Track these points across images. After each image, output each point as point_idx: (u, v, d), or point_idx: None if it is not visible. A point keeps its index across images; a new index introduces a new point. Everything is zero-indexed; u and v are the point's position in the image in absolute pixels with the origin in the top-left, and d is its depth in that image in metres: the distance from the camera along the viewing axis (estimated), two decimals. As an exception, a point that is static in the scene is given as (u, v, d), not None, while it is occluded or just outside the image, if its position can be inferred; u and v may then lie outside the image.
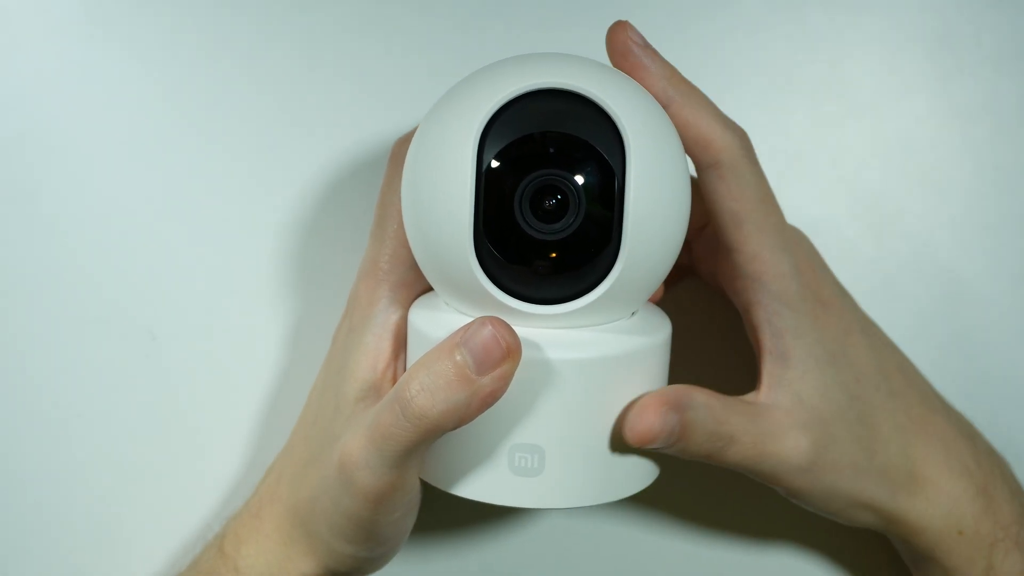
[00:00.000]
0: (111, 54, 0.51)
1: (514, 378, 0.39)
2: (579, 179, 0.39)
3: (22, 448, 0.52)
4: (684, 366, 0.46)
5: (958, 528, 0.47)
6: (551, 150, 0.39)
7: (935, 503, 0.47)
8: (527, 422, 0.40)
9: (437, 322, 0.42)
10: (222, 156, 0.52)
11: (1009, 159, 0.53)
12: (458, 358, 0.38)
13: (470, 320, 0.39)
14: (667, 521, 0.55)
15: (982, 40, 0.53)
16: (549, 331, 0.41)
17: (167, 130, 0.52)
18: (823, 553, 0.55)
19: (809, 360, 0.44)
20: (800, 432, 0.44)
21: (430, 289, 0.46)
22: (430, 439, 0.39)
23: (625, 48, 0.42)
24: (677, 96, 0.42)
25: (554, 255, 0.39)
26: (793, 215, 0.47)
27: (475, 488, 0.42)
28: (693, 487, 0.54)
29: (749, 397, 0.45)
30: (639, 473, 0.43)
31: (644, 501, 0.55)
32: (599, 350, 0.41)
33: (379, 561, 0.46)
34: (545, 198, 0.39)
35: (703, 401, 0.42)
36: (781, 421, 0.44)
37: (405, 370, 0.45)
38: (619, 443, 0.41)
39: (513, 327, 0.38)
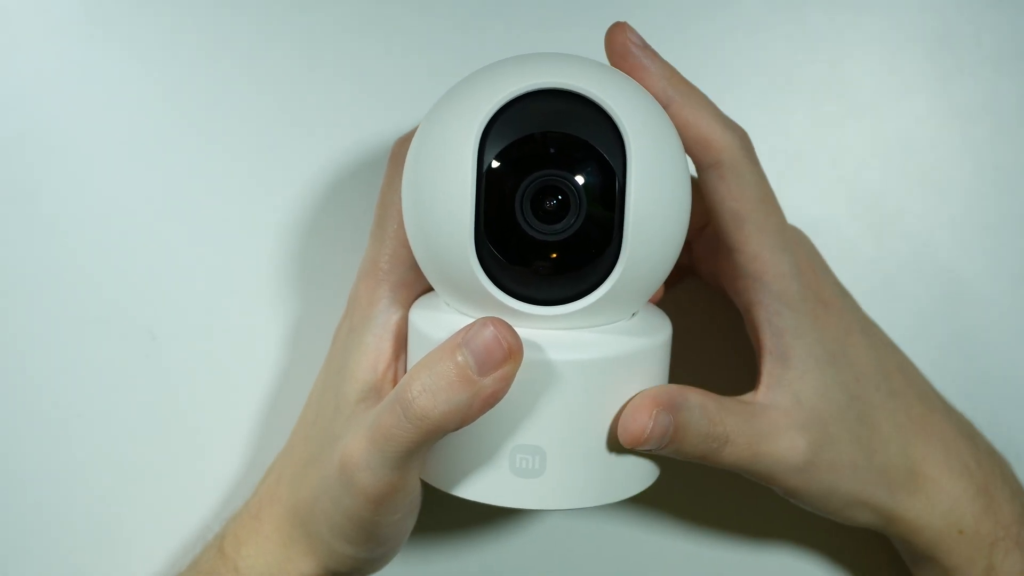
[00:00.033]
0: (111, 54, 0.51)
1: (515, 379, 0.39)
2: (580, 179, 0.39)
3: (22, 448, 0.52)
4: (684, 367, 0.46)
5: (958, 527, 0.47)
6: (552, 150, 0.39)
7: (935, 502, 0.47)
8: (528, 423, 0.40)
9: (438, 322, 0.42)
10: (222, 156, 0.52)
11: (1009, 159, 0.53)
12: (460, 359, 0.38)
13: (471, 321, 0.39)
14: (667, 521, 0.55)
15: (982, 40, 0.53)
16: (549, 332, 0.41)
17: (167, 130, 0.52)
18: (824, 553, 0.55)
19: (809, 360, 0.44)
20: (797, 432, 0.44)
21: (430, 289, 0.46)
22: (431, 440, 0.39)
23: (624, 49, 0.42)
24: (677, 96, 0.42)
25: (555, 256, 0.39)
26: (793, 215, 0.47)
27: (476, 489, 0.42)
28: (693, 487, 0.54)
29: (747, 397, 0.45)
30: (639, 474, 0.43)
31: (644, 502, 0.55)
32: (600, 351, 0.41)
33: (379, 562, 0.46)
34: (546, 199, 0.39)
35: (697, 402, 0.42)
36: (778, 421, 0.44)
37: (406, 371, 0.45)
38: (619, 444, 0.41)
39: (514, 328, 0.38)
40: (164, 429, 0.53)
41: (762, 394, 0.44)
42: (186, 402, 0.53)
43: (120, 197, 0.52)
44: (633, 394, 0.41)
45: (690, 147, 0.43)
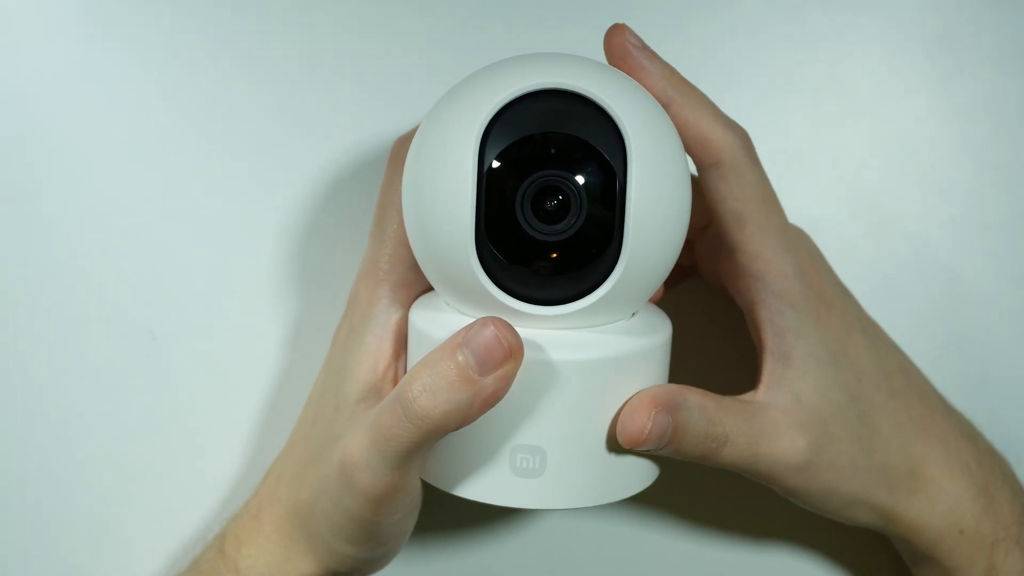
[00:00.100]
0: (111, 54, 0.51)
1: (515, 379, 0.39)
2: (580, 180, 0.39)
3: (22, 448, 0.52)
4: (684, 367, 0.46)
5: (959, 527, 0.47)
6: (552, 151, 0.39)
7: (936, 502, 0.47)
8: (528, 423, 0.40)
9: (438, 322, 0.42)
10: (222, 156, 0.52)
11: (1009, 159, 0.53)
12: (460, 359, 0.38)
13: (471, 320, 0.39)
14: (667, 521, 0.55)
15: (982, 40, 0.53)
16: (550, 332, 0.41)
17: (167, 130, 0.52)
18: (824, 553, 0.55)
19: (810, 360, 0.44)
20: (797, 432, 0.44)
21: (430, 289, 0.46)
22: (432, 440, 0.39)
23: (623, 51, 0.42)
24: (677, 96, 0.42)
25: (555, 256, 0.39)
26: (793, 215, 0.47)
27: (476, 489, 0.42)
28: (693, 487, 0.54)
29: (747, 396, 0.45)
30: (639, 473, 0.43)
31: (644, 501, 0.55)
32: (600, 351, 0.41)
33: (380, 562, 0.46)
34: (546, 199, 0.39)
35: (696, 402, 0.42)
36: (777, 421, 0.44)
37: (406, 371, 0.45)
38: (619, 444, 0.41)
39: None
40: (164, 429, 0.53)
41: (762, 393, 0.44)
42: (186, 402, 0.53)
43: (120, 197, 0.52)
44: (633, 394, 0.41)
45: (691, 147, 0.43)
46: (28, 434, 0.52)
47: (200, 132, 0.52)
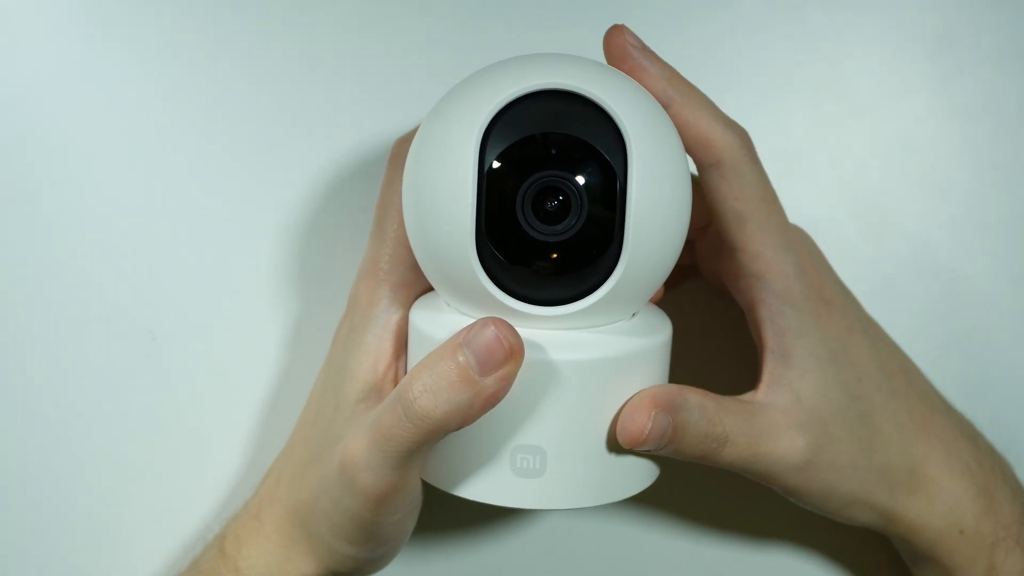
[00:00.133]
0: (111, 54, 0.51)
1: (515, 379, 0.39)
2: (581, 180, 0.39)
3: (22, 448, 0.52)
4: (685, 367, 0.46)
5: (959, 527, 0.47)
6: (553, 151, 0.39)
7: (936, 502, 0.47)
8: (528, 423, 0.41)
9: (438, 322, 0.42)
10: (222, 156, 0.52)
11: (1009, 159, 0.53)
12: (461, 359, 0.38)
13: (472, 321, 0.39)
14: (667, 521, 0.55)
15: (982, 40, 0.53)
16: (550, 332, 0.41)
17: (167, 130, 0.52)
18: (824, 553, 0.55)
19: (810, 359, 0.44)
20: (796, 432, 0.44)
21: (430, 289, 0.46)
22: (433, 440, 0.39)
23: (623, 52, 0.42)
24: (677, 96, 0.42)
25: (556, 256, 0.39)
26: (793, 215, 0.47)
27: (477, 489, 0.42)
28: (693, 487, 0.54)
29: (747, 396, 0.45)
30: (639, 473, 0.43)
31: (644, 501, 0.55)
32: (600, 351, 0.41)
33: (380, 562, 0.46)
34: (547, 199, 0.39)
35: (696, 402, 0.42)
36: (777, 421, 0.44)
37: (406, 371, 0.45)
38: (619, 444, 0.41)
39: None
40: (164, 429, 0.53)
41: (762, 393, 0.44)
42: (186, 402, 0.53)
43: (120, 197, 0.52)
44: (633, 394, 0.41)
45: (691, 147, 0.43)
46: (28, 434, 0.52)
47: (200, 132, 0.52)
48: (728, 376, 0.49)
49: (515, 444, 0.41)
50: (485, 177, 0.39)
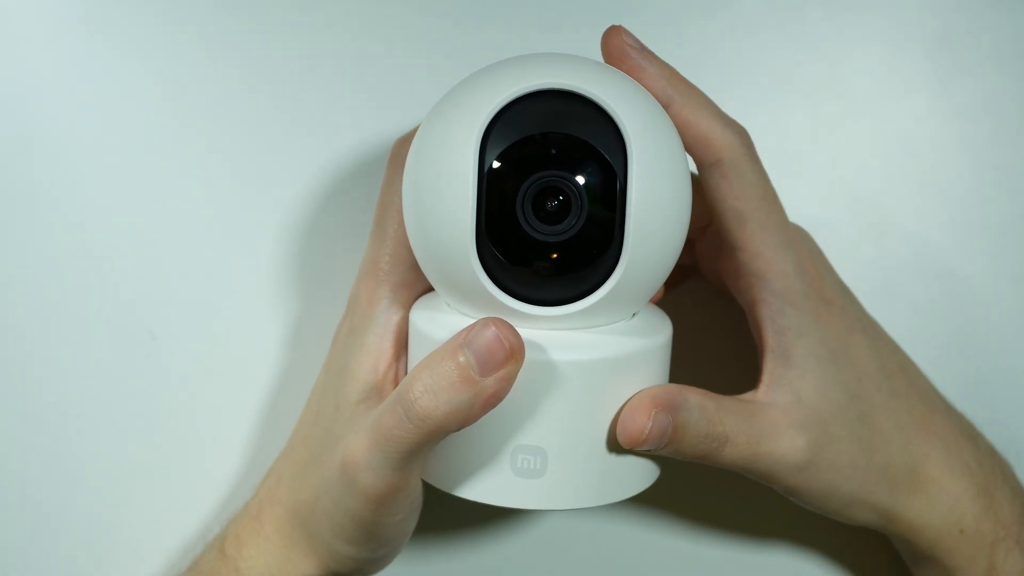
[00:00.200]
0: (111, 54, 0.51)
1: (516, 379, 0.39)
2: (581, 180, 0.39)
3: (22, 448, 0.52)
4: (685, 367, 0.46)
5: (959, 527, 0.47)
6: (553, 151, 0.39)
7: (936, 502, 0.47)
8: (529, 424, 0.41)
9: (439, 323, 0.42)
10: (222, 156, 0.52)
11: (1009, 159, 0.53)
12: (461, 359, 0.38)
13: (472, 321, 0.39)
14: (667, 521, 0.55)
15: (982, 40, 0.53)
16: (550, 332, 0.41)
17: (167, 130, 0.52)
18: (824, 553, 0.55)
19: (810, 359, 0.44)
20: (797, 431, 0.44)
21: (431, 289, 0.46)
22: (433, 441, 0.39)
23: (621, 52, 0.42)
24: (677, 96, 0.42)
25: (556, 256, 0.39)
26: (793, 215, 0.47)
27: (477, 489, 0.42)
28: (693, 487, 0.54)
29: (747, 396, 0.45)
30: (640, 473, 0.43)
31: (644, 501, 0.55)
32: (600, 351, 0.41)
33: (380, 562, 0.46)
34: (547, 199, 0.39)
35: (697, 401, 0.42)
36: (777, 420, 0.44)
37: (407, 371, 0.45)
38: (620, 444, 0.41)
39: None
40: (164, 429, 0.53)
41: (763, 393, 0.44)
42: (186, 402, 0.53)
43: (120, 197, 0.52)
44: (633, 394, 0.41)
45: (691, 146, 0.43)
46: (28, 434, 0.52)
47: (200, 132, 0.52)
48: (728, 376, 0.49)
49: (515, 444, 0.41)
50: (485, 177, 0.39)
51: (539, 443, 0.41)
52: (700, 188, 0.44)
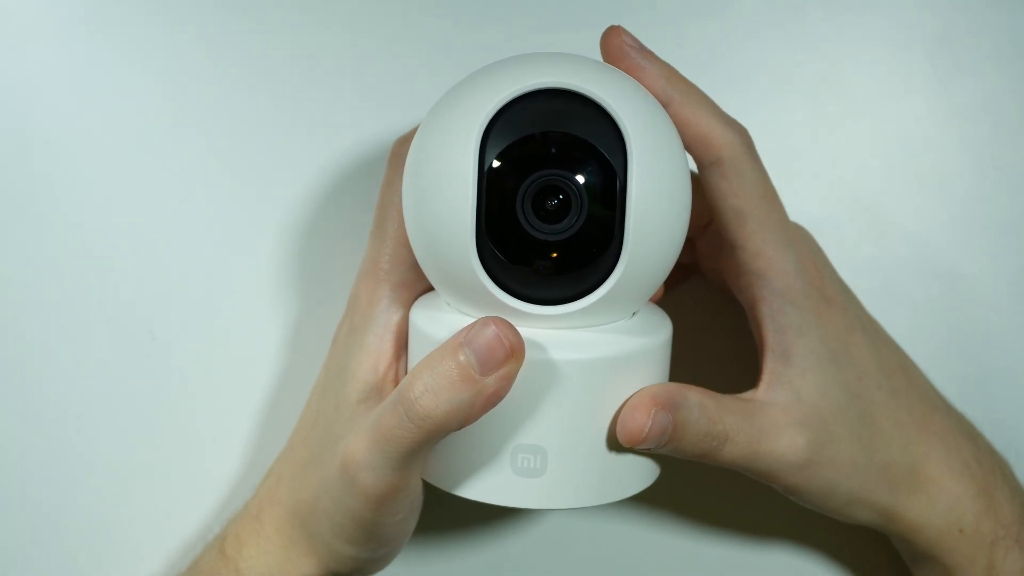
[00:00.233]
0: (111, 54, 0.51)
1: (516, 378, 0.39)
2: (581, 179, 0.39)
3: (22, 448, 0.52)
4: (685, 366, 0.46)
5: (959, 526, 0.47)
6: (553, 150, 0.39)
7: (936, 501, 0.47)
8: (529, 423, 0.41)
9: (439, 322, 0.42)
10: (222, 156, 0.52)
11: (1009, 159, 0.53)
12: (462, 358, 0.38)
13: (472, 320, 0.39)
14: (667, 520, 0.55)
15: (982, 40, 0.53)
16: (550, 331, 0.41)
17: (167, 130, 0.52)
18: (824, 552, 0.55)
19: (810, 358, 0.44)
20: (797, 430, 0.44)
21: (431, 289, 0.46)
22: (434, 440, 0.39)
23: (620, 52, 0.42)
24: (676, 95, 0.42)
25: (556, 255, 0.39)
26: (793, 215, 0.47)
27: (477, 489, 0.42)
28: (693, 486, 0.54)
29: (747, 394, 0.45)
30: (640, 473, 0.43)
31: (645, 500, 0.55)
32: (600, 351, 0.41)
33: (381, 562, 0.46)
34: (547, 198, 0.39)
35: (697, 400, 0.42)
36: (777, 419, 0.44)
37: (407, 371, 0.45)
38: (620, 443, 0.41)
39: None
40: (164, 429, 0.53)
41: (763, 391, 0.44)
42: (186, 402, 0.53)
43: (120, 197, 0.52)
44: (633, 393, 0.41)
45: (691, 145, 0.43)
46: (28, 434, 0.52)
47: (200, 132, 0.52)
48: (728, 375, 0.49)
49: (516, 444, 0.41)
50: (485, 176, 0.39)
51: (539, 442, 0.41)
52: (700, 187, 0.44)
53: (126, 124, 0.51)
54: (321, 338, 0.51)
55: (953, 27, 0.53)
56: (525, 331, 0.39)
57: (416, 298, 0.46)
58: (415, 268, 0.44)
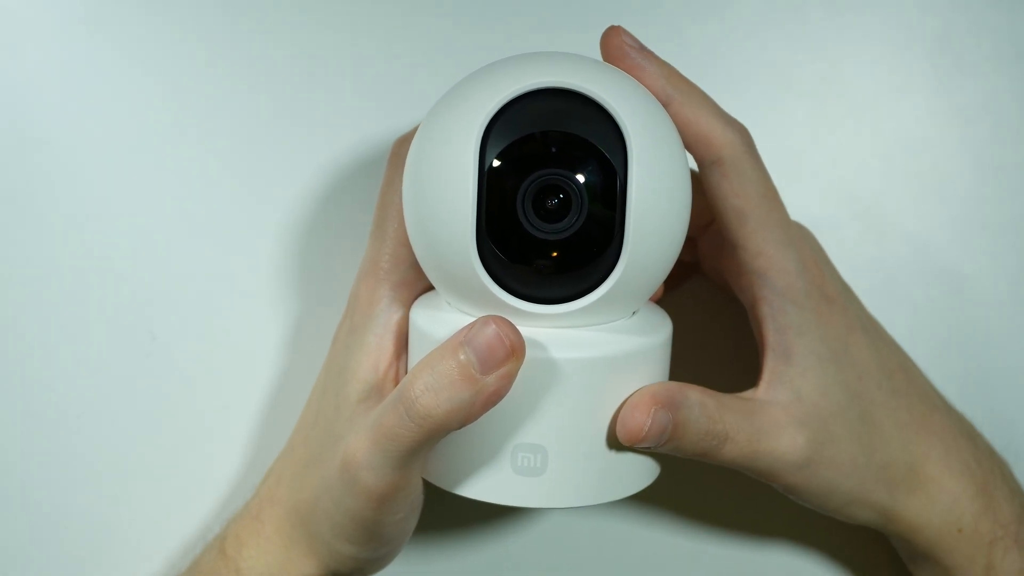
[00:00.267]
0: (111, 54, 0.51)
1: (516, 377, 0.39)
2: (581, 178, 0.39)
3: (22, 448, 0.52)
4: (685, 366, 0.46)
5: (957, 526, 0.47)
6: (553, 149, 0.39)
7: (935, 501, 0.47)
8: (529, 422, 0.41)
9: (439, 321, 0.42)
10: (222, 156, 0.52)
11: (1009, 159, 0.53)
12: (462, 357, 0.38)
13: (472, 319, 0.39)
14: (667, 519, 0.55)
15: (982, 40, 0.53)
16: (550, 330, 0.41)
17: (167, 130, 0.52)
18: (824, 551, 0.55)
19: (811, 357, 0.44)
20: (797, 429, 0.44)
21: (431, 288, 0.46)
22: (434, 439, 0.39)
23: (621, 52, 0.42)
24: (677, 95, 0.42)
25: (556, 254, 0.39)
26: (793, 215, 0.47)
27: (478, 488, 0.42)
28: (693, 485, 0.54)
29: (747, 394, 0.45)
30: (640, 472, 0.43)
31: (645, 500, 0.55)
32: (601, 350, 0.41)
33: (381, 561, 0.46)
34: (547, 198, 0.39)
35: (697, 399, 0.42)
36: (778, 418, 0.44)
37: (407, 370, 0.45)
38: (620, 442, 0.41)
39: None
40: (164, 429, 0.53)
41: (763, 390, 0.44)
42: (186, 402, 0.53)
43: (120, 197, 0.52)
44: (633, 392, 0.41)
45: (691, 145, 0.43)
46: (28, 434, 0.52)
47: (200, 132, 0.52)
48: (728, 374, 0.49)
49: (516, 443, 0.41)
50: (486, 175, 0.39)
51: (539, 441, 0.41)
52: (701, 186, 0.44)
53: (126, 124, 0.51)
54: (321, 338, 0.51)
55: (953, 27, 0.53)
56: (525, 330, 0.39)
57: (416, 297, 0.46)
58: (415, 267, 0.44)
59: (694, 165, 0.44)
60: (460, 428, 0.39)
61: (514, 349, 0.38)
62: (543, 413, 0.40)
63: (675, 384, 0.42)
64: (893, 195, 0.54)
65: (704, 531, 0.56)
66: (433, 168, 0.39)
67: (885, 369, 0.47)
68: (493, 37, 0.52)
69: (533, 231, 0.39)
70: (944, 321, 0.54)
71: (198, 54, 0.51)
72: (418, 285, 0.46)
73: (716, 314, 0.53)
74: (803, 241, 0.47)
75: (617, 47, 0.42)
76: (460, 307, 0.42)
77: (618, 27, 0.43)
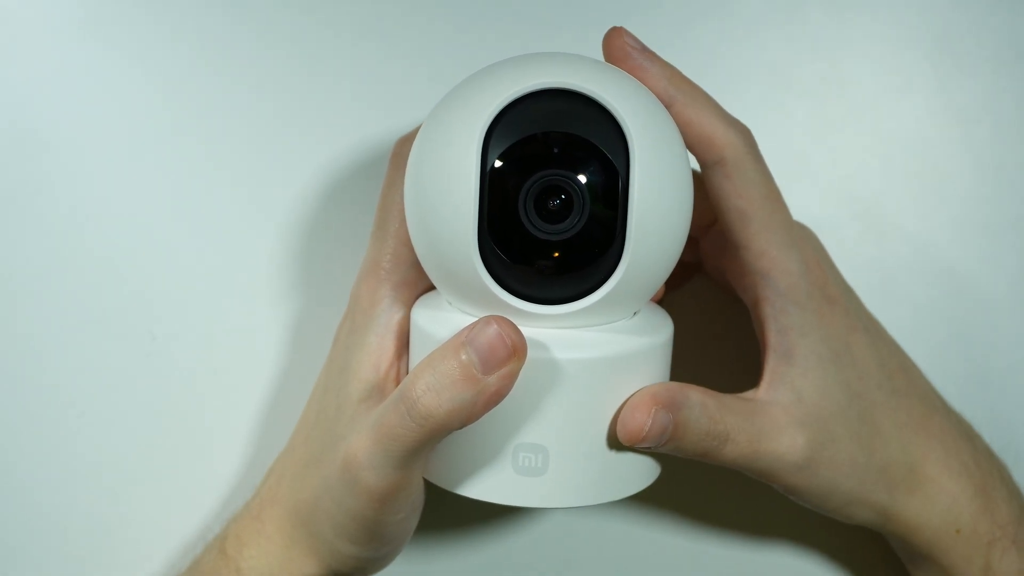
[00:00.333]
0: (111, 54, 0.51)
1: (517, 377, 0.39)
2: (583, 179, 0.39)
3: (22, 448, 0.52)
4: (685, 366, 0.46)
5: (956, 527, 0.47)
6: (555, 150, 0.39)
7: (934, 501, 0.47)
8: (530, 422, 0.41)
9: (440, 321, 0.42)
10: (223, 157, 0.52)
11: (1009, 159, 0.53)
12: (464, 357, 0.38)
13: (474, 319, 0.39)
14: (668, 519, 0.55)
15: (982, 40, 0.53)
16: (552, 331, 0.41)
17: (168, 131, 0.52)
18: (823, 551, 0.55)
19: (812, 358, 0.44)
20: (797, 429, 0.44)
21: (432, 288, 0.46)
22: (436, 439, 0.39)
23: (623, 53, 0.42)
24: (679, 95, 0.42)
25: (558, 255, 0.39)
26: (794, 215, 0.47)
27: (479, 488, 0.42)
28: (694, 485, 0.54)
29: (748, 394, 0.45)
30: (641, 472, 0.43)
31: (645, 500, 0.55)
32: (602, 350, 0.41)
33: (382, 561, 0.46)
34: (549, 198, 0.39)
35: (698, 399, 0.42)
36: (778, 418, 0.44)
37: (408, 370, 0.45)
38: (620, 442, 0.41)
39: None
40: (164, 429, 0.53)
41: (764, 391, 0.44)
42: (186, 402, 0.53)
43: (120, 197, 0.52)
44: (634, 392, 0.42)
45: (693, 145, 0.43)
46: (28, 434, 0.52)
47: (201, 133, 0.52)
48: (729, 374, 0.49)
49: (517, 443, 0.41)
50: (487, 176, 0.39)
51: (540, 441, 0.41)
52: (703, 187, 0.44)
53: (126, 124, 0.51)
54: (322, 338, 0.51)
55: (953, 27, 0.53)
56: (527, 330, 0.39)
57: (417, 297, 0.46)
58: (416, 267, 0.44)
59: (695, 165, 0.44)
60: (461, 428, 0.39)
61: (516, 349, 0.38)
62: (544, 413, 0.40)
63: (676, 384, 0.42)
64: (893, 195, 0.54)
65: (704, 531, 0.56)
66: (435, 169, 0.39)
67: (886, 370, 0.47)
68: (494, 38, 0.52)
69: (535, 232, 0.39)
70: (944, 321, 0.54)
71: (198, 54, 0.51)
72: (419, 285, 0.46)
73: (717, 314, 0.53)
74: (806, 242, 0.47)
75: (619, 48, 0.43)
76: (461, 307, 0.42)
77: (620, 28, 0.43)
